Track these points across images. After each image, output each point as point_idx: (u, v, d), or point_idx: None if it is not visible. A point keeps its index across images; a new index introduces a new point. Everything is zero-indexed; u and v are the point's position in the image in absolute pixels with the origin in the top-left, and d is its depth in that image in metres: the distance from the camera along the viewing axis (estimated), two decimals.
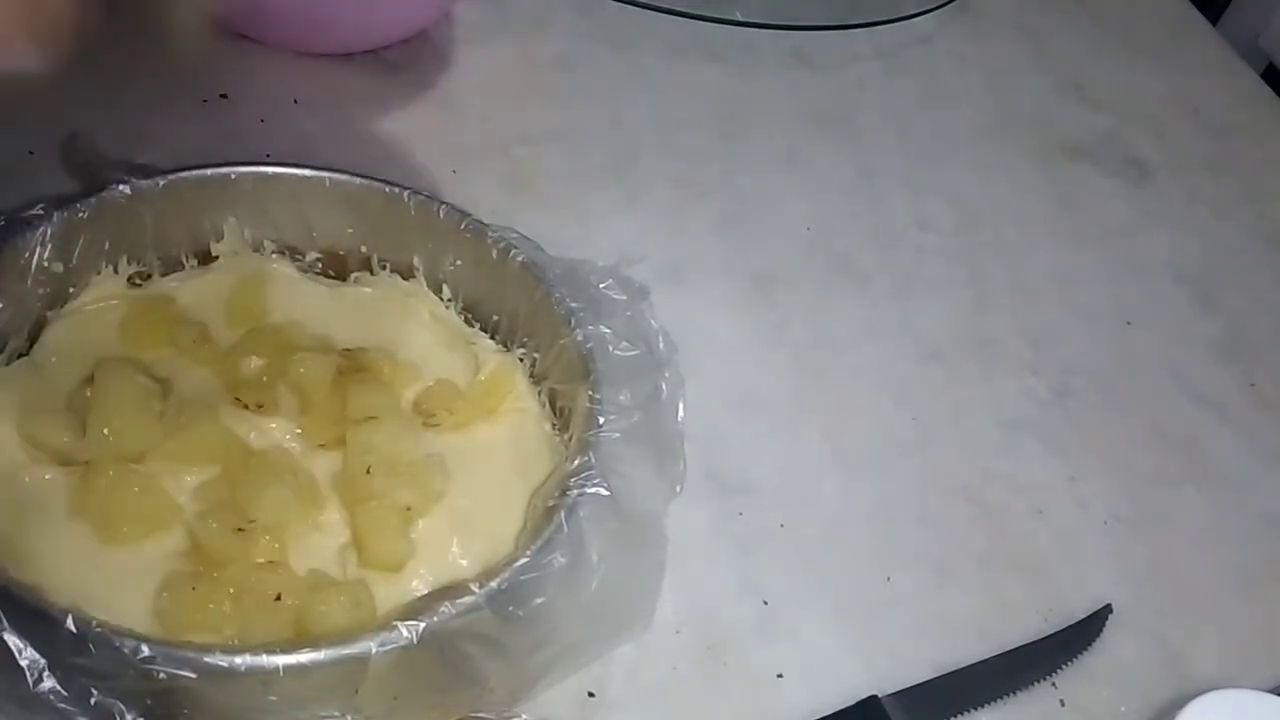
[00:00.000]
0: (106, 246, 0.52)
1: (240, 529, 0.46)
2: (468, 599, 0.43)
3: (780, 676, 0.52)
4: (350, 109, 0.70)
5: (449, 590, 0.44)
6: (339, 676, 0.41)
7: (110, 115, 0.64)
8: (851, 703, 0.51)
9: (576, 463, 0.48)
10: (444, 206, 0.55)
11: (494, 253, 0.55)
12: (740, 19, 0.82)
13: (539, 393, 0.55)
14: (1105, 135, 0.85)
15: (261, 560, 0.46)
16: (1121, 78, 0.90)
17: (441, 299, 0.57)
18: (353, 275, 0.57)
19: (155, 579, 0.44)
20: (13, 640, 0.39)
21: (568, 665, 0.48)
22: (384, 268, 0.57)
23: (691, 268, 0.67)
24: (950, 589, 0.57)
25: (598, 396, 0.50)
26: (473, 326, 0.57)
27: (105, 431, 0.47)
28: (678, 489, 0.53)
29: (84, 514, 0.45)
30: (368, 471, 0.48)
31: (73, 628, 0.39)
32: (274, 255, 0.56)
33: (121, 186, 0.52)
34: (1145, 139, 0.85)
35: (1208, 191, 0.83)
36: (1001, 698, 0.53)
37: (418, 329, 0.56)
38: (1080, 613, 0.57)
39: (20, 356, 0.51)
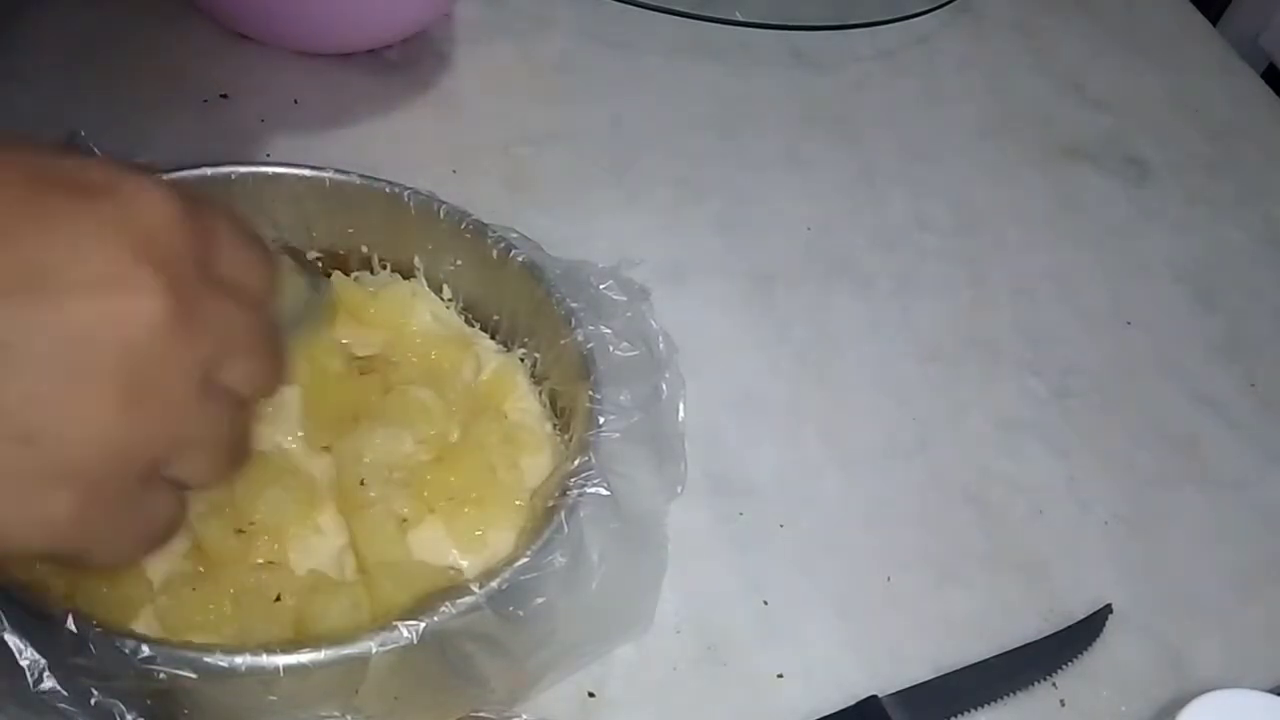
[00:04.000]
0: None
1: (240, 530, 0.46)
2: (468, 599, 0.43)
3: (780, 676, 0.52)
4: (350, 109, 0.70)
5: (449, 590, 0.44)
6: (339, 676, 0.41)
7: (110, 115, 0.64)
8: (851, 703, 0.51)
9: (577, 463, 0.48)
10: (444, 206, 0.55)
11: (494, 253, 0.55)
12: (740, 19, 0.82)
13: (539, 393, 0.55)
14: (1105, 135, 0.85)
15: (261, 561, 0.46)
16: (1121, 78, 0.90)
17: (442, 299, 0.57)
18: (353, 275, 0.57)
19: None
20: (13, 640, 0.39)
21: (568, 665, 0.48)
22: (384, 267, 0.57)
23: (691, 268, 0.67)
24: (950, 589, 0.57)
25: (598, 397, 0.50)
26: (473, 326, 0.57)
27: None
28: (679, 489, 0.53)
29: None
30: (361, 483, 0.48)
31: (73, 628, 0.39)
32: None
33: None
34: (1145, 139, 0.85)
35: (1208, 191, 0.83)
36: (1001, 698, 0.53)
37: (418, 329, 0.56)
38: (1080, 613, 0.57)
39: None
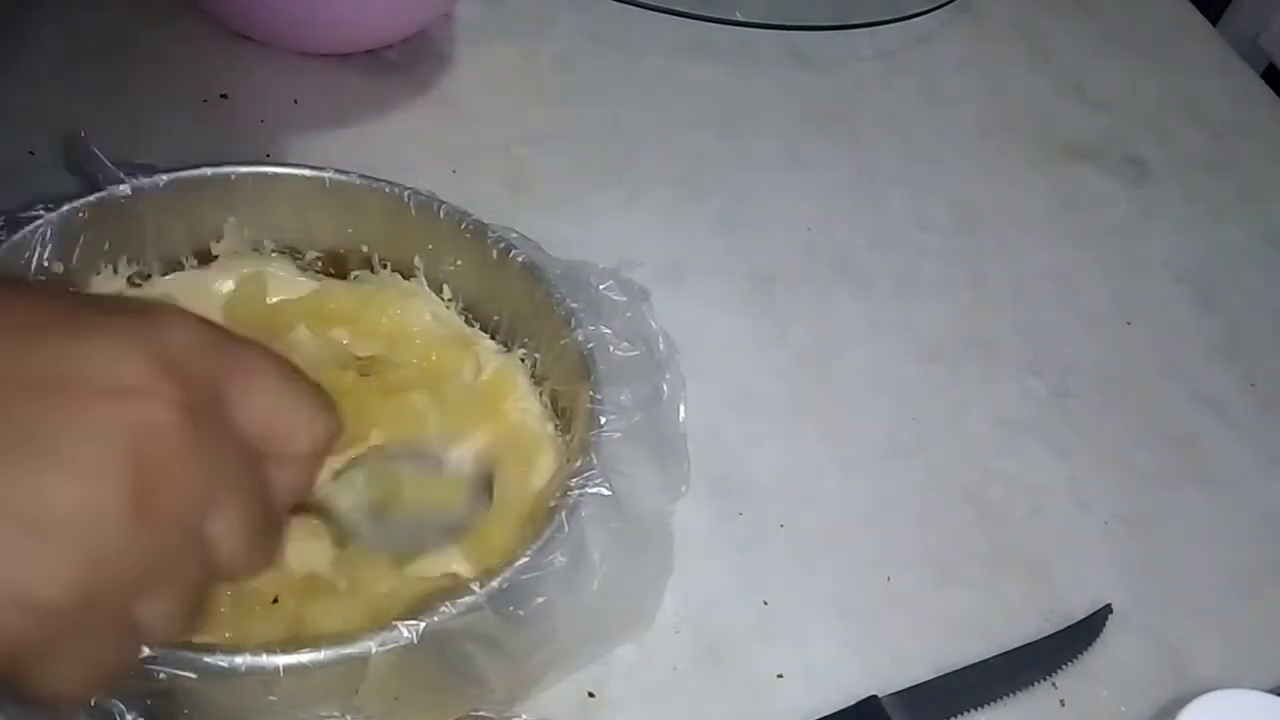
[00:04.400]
0: (106, 247, 0.52)
1: None
2: (468, 599, 0.42)
3: (780, 676, 0.52)
4: (350, 109, 0.70)
5: (449, 590, 0.44)
6: (339, 676, 0.41)
7: (110, 115, 0.64)
8: (851, 703, 0.51)
9: (578, 463, 0.48)
10: (444, 206, 0.55)
11: (494, 253, 0.55)
12: (740, 19, 0.82)
13: (540, 393, 0.55)
14: (1105, 135, 0.85)
15: None
16: (1121, 78, 0.90)
17: (442, 299, 0.57)
18: (352, 275, 0.57)
19: None
20: None
21: (568, 665, 0.48)
22: (384, 267, 0.57)
23: (691, 268, 0.67)
24: (950, 589, 0.57)
25: (599, 397, 0.50)
26: (473, 327, 0.57)
27: None
28: (683, 489, 0.53)
29: None
30: None
31: None
32: (274, 255, 0.56)
33: (121, 186, 0.52)
34: (1145, 139, 0.85)
35: (1208, 191, 0.83)
36: (1001, 698, 0.53)
37: (418, 329, 0.56)
38: (1080, 613, 0.57)
39: None
